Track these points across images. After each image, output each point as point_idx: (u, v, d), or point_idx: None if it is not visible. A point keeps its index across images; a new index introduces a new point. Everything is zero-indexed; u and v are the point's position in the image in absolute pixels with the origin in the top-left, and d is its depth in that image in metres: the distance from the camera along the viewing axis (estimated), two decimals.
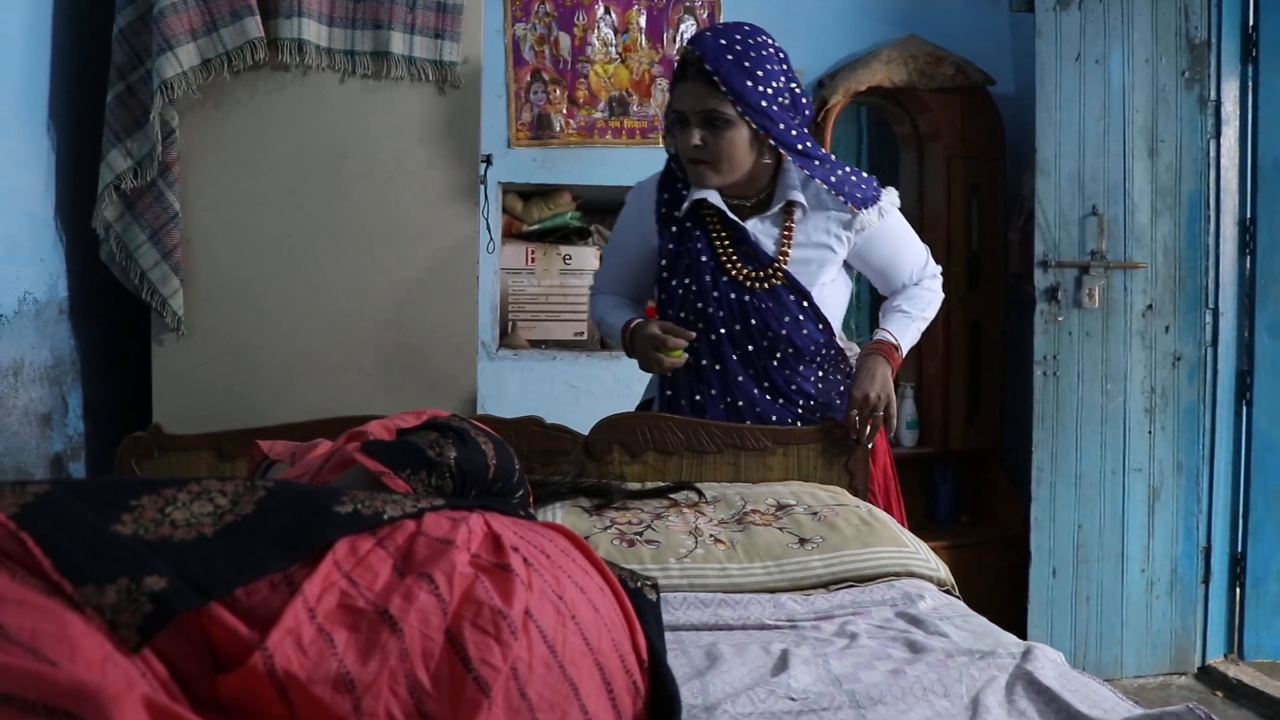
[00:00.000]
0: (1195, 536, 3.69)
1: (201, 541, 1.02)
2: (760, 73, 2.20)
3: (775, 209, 2.34)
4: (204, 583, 0.98)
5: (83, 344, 2.40)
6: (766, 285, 2.32)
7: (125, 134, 2.31)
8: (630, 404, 3.43)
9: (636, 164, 3.86)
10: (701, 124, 2.23)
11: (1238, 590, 3.75)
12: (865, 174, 2.40)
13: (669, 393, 2.46)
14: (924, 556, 2.00)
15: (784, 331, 2.33)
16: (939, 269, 2.52)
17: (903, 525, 2.41)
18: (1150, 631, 3.68)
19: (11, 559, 0.92)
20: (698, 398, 2.41)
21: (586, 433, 2.37)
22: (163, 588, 0.94)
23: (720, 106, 2.20)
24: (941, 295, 2.51)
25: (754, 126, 2.21)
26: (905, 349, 2.42)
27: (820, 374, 2.43)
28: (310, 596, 1.01)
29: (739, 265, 2.33)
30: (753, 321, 2.33)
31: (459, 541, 1.12)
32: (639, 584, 1.33)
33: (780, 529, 2.03)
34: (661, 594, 1.47)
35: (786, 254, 2.33)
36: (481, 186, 2.58)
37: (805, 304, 2.34)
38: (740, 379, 2.37)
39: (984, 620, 1.76)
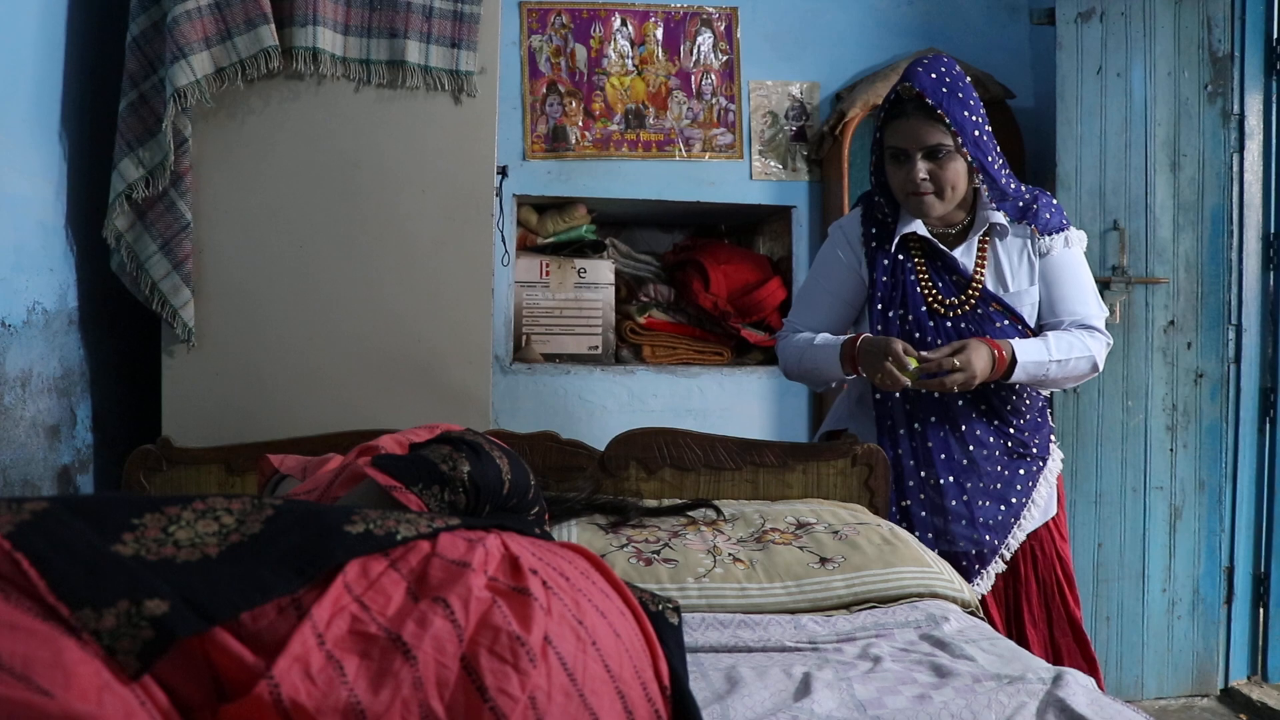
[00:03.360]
0: (1218, 556, 3.64)
1: (206, 563, 0.98)
2: (971, 102, 2.28)
3: (977, 234, 2.38)
4: (207, 607, 0.94)
5: (92, 355, 2.37)
6: (967, 309, 2.36)
7: (137, 143, 2.28)
8: (646, 419, 3.41)
9: (652, 177, 3.85)
10: (926, 157, 2.29)
11: (1261, 611, 3.69)
12: (1055, 202, 2.42)
13: (889, 422, 2.45)
14: (948, 577, 1.96)
15: None
16: (1109, 337, 2.43)
17: (1072, 575, 2.55)
18: (1172, 652, 3.62)
19: (6, 580, 0.89)
20: (916, 425, 2.42)
21: (602, 448, 2.34)
22: (164, 612, 0.90)
23: (944, 139, 2.26)
24: (1093, 358, 2.38)
25: (969, 159, 2.28)
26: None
27: (1029, 393, 2.46)
28: (319, 621, 0.97)
29: (939, 295, 2.38)
30: None
31: (475, 564, 1.08)
32: (660, 606, 1.29)
33: (800, 548, 1.99)
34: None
35: (981, 276, 2.37)
36: (496, 199, 2.55)
37: (1020, 327, 2.37)
38: (960, 403, 2.41)
39: (1011, 643, 1.72)
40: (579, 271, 3.93)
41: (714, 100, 3.92)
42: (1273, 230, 3.63)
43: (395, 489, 1.37)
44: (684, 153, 3.88)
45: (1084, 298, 2.40)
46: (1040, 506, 2.45)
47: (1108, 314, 2.45)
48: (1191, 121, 3.57)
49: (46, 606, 0.88)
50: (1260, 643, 3.70)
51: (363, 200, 2.44)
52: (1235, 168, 3.59)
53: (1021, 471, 2.44)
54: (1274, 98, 3.61)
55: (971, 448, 2.40)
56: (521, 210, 3.92)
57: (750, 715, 1.38)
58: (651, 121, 3.89)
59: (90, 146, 2.36)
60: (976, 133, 2.27)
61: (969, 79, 2.33)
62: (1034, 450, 2.46)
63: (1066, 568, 2.53)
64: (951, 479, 2.39)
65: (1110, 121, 3.57)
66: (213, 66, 2.27)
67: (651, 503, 2.24)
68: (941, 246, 2.37)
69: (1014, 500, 2.42)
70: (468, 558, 1.09)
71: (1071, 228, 2.39)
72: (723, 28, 3.92)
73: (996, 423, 2.42)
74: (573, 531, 2.03)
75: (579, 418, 3.75)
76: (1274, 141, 3.61)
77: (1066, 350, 2.34)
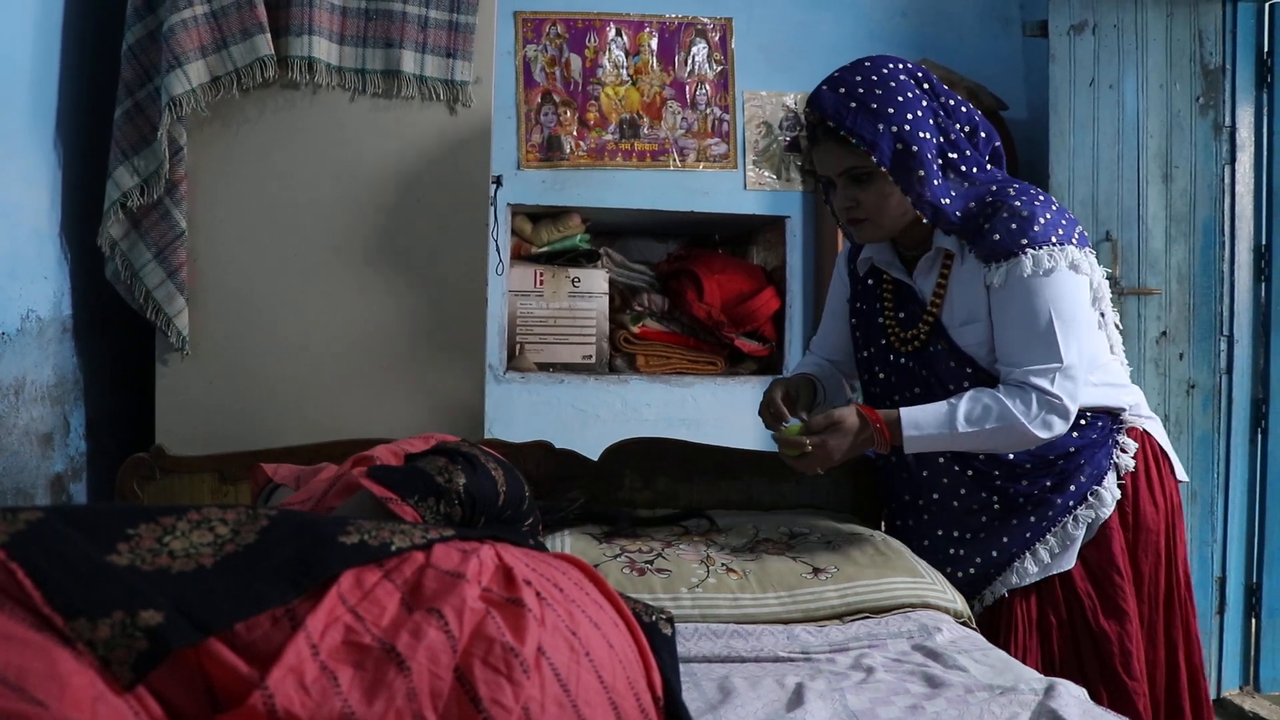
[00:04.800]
0: (1210, 566, 3.64)
1: (200, 573, 0.99)
2: (891, 110, 1.92)
3: (931, 257, 2.07)
4: (202, 617, 0.94)
5: (86, 363, 2.37)
6: (917, 345, 2.08)
7: (132, 151, 2.28)
8: (639, 429, 3.41)
9: (647, 187, 3.85)
10: (848, 184, 2.00)
11: (1253, 621, 3.69)
12: (1042, 220, 1.95)
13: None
14: (940, 587, 1.96)
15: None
16: (1056, 395, 1.91)
17: (1191, 591, 2.18)
18: None
19: (1, 591, 0.88)
20: (879, 462, 2.31)
21: (595, 458, 2.34)
22: (159, 623, 0.90)
23: (858, 161, 1.95)
24: (1019, 429, 1.91)
25: (891, 179, 1.95)
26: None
27: None
28: (313, 632, 0.97)
29: (897, 328, 2.13)
30: (917, 389, 2.10)
31: (469, 574, 1.08)
32: (654, 617, 1.29)
33: (793, 558, 1.99)
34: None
35: (937, 306, 2.05)
36: (491, 208, 2.55)
37: (970, 370, 2.03)
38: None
39: (1003, 654, 1.73)
40: (573, 281, 3.93)
41: (708, 110, 3.92)
42: (1263, 241, 3.65)
43: (391, 500, 1.37)
44: (678, 163, 3.88)
45: (1025, 343, 1.94)
46: (1044, 560, 2.08)
47: (1067, 363, 1.92)
48: (1183, 134, 3.59)
49: (41, 617, 0.88)
50: (1252, 653, 3.70)
51: (357, 209, 2.44)
52: (1227, 180, 3.61)
53: (1030, 518, 2.08)
54: (1265, 110, 3.63)
55: (936, 496, 2.14)
56: (516, 219, 3.92)
57: None
58: (646, 131, 3.89)
59: (85, 154, 2.37)
60: (899, 145, 1.92)
61: (904, 75, 1.98)
62: (1048, 496, 2.06)
63: (1120, 642, 2.05)
64: (910, 522, 2.21)
65: (1103, 133, 3.59)
66: (208, 75, 2.28)
67: (645, 513, 2.24)
68: (896, 273, 2.12)
69: (995, 554, 2.10)
70: (462, 569, 1.09)
71: (1034, 250, 1.91)
72: (717, 38, 3.93)
73: (970, 474, 2.09)
74: (566, 541, 2.02)
75: (572, 427, 3.75)
76: (1265, 154, 3.63)
77: (979, 419, 1.92)
